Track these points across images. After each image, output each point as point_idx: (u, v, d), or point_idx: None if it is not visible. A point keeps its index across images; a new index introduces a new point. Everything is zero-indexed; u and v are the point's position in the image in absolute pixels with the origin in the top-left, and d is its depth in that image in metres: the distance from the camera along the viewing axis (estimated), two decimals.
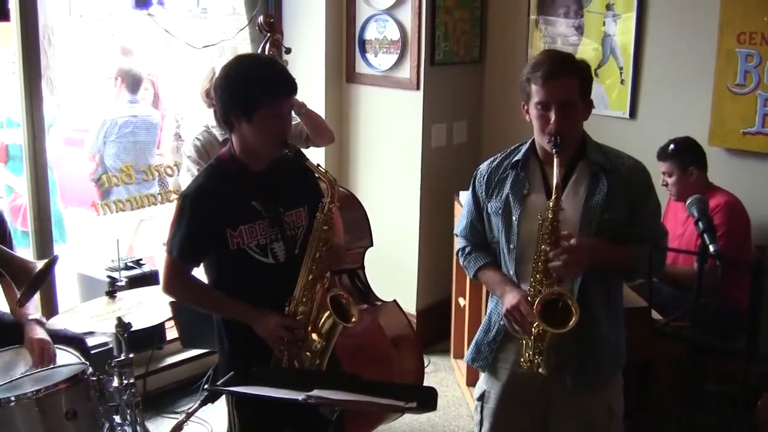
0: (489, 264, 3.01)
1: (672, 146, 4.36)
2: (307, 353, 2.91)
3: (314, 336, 2.91)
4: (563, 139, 2.73)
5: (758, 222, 4.28)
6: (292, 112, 4.06)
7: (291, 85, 2.90)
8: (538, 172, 2.89)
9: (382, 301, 4.47)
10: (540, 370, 2.79)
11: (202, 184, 2.97)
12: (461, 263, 3.14)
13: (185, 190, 3.06)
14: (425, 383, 4.40)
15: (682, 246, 4.13)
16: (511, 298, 2.81)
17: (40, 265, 3.43)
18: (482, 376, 3.11)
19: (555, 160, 2.73)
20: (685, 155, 4.32)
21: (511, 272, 2.89)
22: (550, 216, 2.71)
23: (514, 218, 2.86)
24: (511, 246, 2.87)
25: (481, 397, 3.08)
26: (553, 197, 2.71)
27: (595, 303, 2.82)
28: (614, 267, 2.83)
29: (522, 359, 2.82)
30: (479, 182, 3.02)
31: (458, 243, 3.16)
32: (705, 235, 2.78)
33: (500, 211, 2.90)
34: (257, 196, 2.93)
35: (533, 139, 2.92)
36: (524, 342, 2.80)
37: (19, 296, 3.39)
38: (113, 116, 5.86)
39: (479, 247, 3.06)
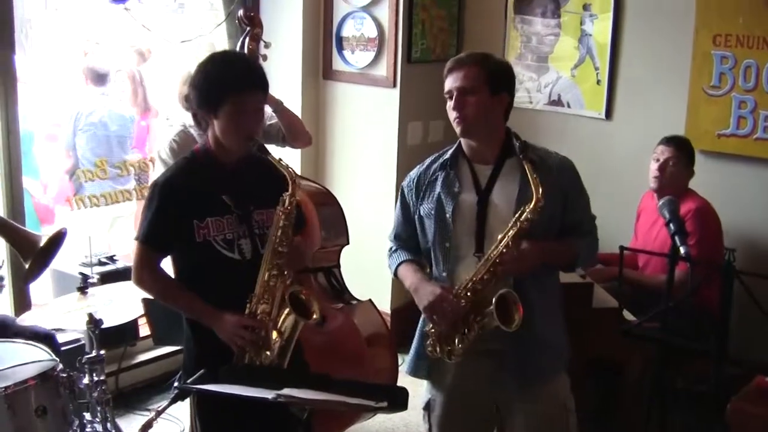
0: (408, 260, 3.05)
1: (684, 140, 4.36)
2: (268, 352, 2.87)
3: (275, 335, 2.87)
4: (463, 123, 2.85)
5: (730, 224, 4.31)
6: (269, 110, 4.05)
7: (254, 80, 2.88)
8: (467, 170, 2.93)
9: (357, 300, 4.46)
10: (444, 356, 2.88)
11: (173, 174, 2.97)
12: (388, 263, 3.16)
13: (156, 179, 3.06)
14: (399, 382, 4.39)
15: (656, 249, 4.14)
16: (430, 291, 2.84)
17: (46, 238, 3.40)
18: (425, 384, 3.12)
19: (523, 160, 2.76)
20: (692, 154, 4.34)
21: (444, 274, 2.91)
22: (530, 217, 2.72)
23: (447, 216, 2.88)
24: (447, 245, 2.89)
25: (427, 406, 3.08)
26: (534, 199, 2.71)
27: (531, 299, 2.80)
28: (557, 263, 2.94)
29: (430, 348, 2.91)
30: (408, 187, 3.04)
31: (388, 245, 3.19)
32: (676, 237, 2.80)
33: (433, 212, 2.92)
34: (228, 190, 2.92)
35: (460, 140, 2.98)
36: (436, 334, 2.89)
37: (25, 271, 3.36)
38: (80, 106, 5.81)
39: (403, 247, 3.10)
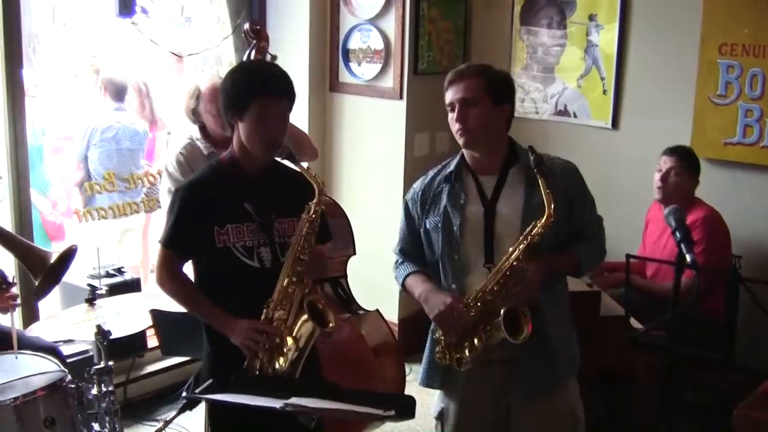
0: (416, 272, 3.05)
1: (686, 149, 4.38)
2: (281, 359, 2.87)
3: (290, 342, 2.86)
4: (466, 134, 2.85)
5: (737, 231, 4.30)
6: None
7: (280, 87, 2.91)
8: (471, 182, 2.94)
9: (364, 310, 4.47)
10: (454, 364, 2.88)
11: (196, 180, 3.03)
12: (394, 275, 3.17)
13: (180, 184, 3.11)
14: (407, 391, 4.39)
15: (664, 258, 4.14)
16: (440, 301, 2.84)
17: (56, 254, 3.41)
18: (438, 394, 3.13)
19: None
20: (696, 164, 4.35)
21: (454, 286, 2.91)
22: (541, 231, 2.72)
23: (455, 228, 2.89)
24: (456, 257, 2.90)
25: (440, 416, 3.09)
26: (546, 214, 2.72)
27: (540, 308, 2.82)
28: (563, 272, 2.98)
29: (439, 355, 2.92)
30: (412, 201, 3.05)
31: (394, 258, 3.19)
32: (682, 245, 2.80)
33: (439, 225, 2.93)
34: (250, 198, 2.95)
35: (462, 152, 2.98)
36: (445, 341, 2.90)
37: (35, 287, 3.38)
38: (96, 121, 5.84)
39: (409, 260, 3.10)
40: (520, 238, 2.75)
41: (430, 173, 3.06)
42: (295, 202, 2.96)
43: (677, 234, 2.86)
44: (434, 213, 2.96)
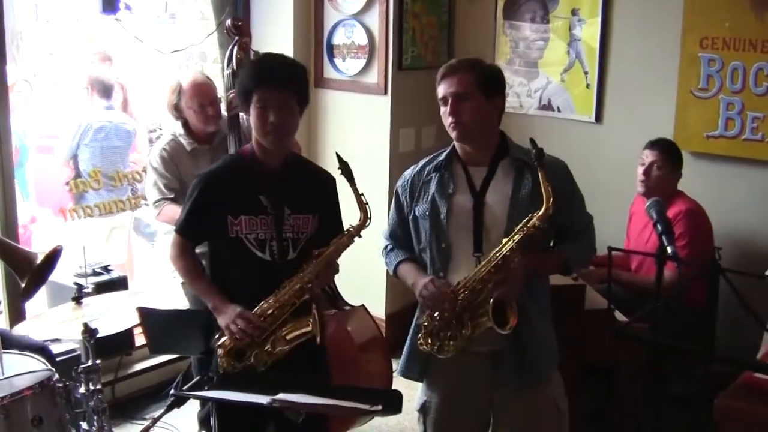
0: (408, 259, 3.10)
1: (668, 143, 4.40)
2: (257, 352, 2.92)
3: (274, 341, 2.92)
4: (459, 128, 2.90)
5: (719, 223, 4.34)
6: None
7: (281, 78, 2.94)
8: (461, 172, 2.98)
9: (350, 305, 4.47)
10: (434, 351, 2.90)
11: (215, 169, 3.11)
12: (384, 260, 3.23)
13: (200, 171, 3.17)
14: (394, 387, 4.41)
15: (648, 250, 4.16)
16: (426, 281, 2.90)
17: (42, 255, 3.41)
18: (420, 386, 3.15)
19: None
20: (678, 156, 4.37)
21: (441, 274, 2.94)
22: (537, 224, 2.74)
23: (442, 216, 2.93)
24: (442, 245, 2.94)
25: (423, 408, 3.12)
26: (544, 207, 2.73)
27: (524, 302, 2.84)
28: (550, 271, 3.03)
29: (420, 340, 2.94)
30: (403, 188, 3.10)
31: (383, 243, 3.24)
32: (663, 237, 2.83)
33: (427, 213, 2.97)
34: (266, 191, 3.01)
35: (454, 143, 3.02)
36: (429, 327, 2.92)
37: (21, 288, 3.38)
38: (88, 120, 5.84)
39: (400, 246, 3.15)
40: (516, 229, 2.77)
41: (421, 162, 3.10)
42: (311, 198, 3.07)
43: (658, 226, 2.88)
44: (423, 201, 3.00)
